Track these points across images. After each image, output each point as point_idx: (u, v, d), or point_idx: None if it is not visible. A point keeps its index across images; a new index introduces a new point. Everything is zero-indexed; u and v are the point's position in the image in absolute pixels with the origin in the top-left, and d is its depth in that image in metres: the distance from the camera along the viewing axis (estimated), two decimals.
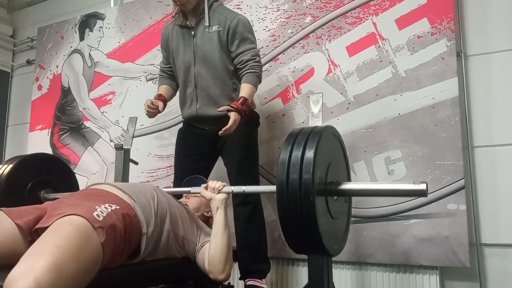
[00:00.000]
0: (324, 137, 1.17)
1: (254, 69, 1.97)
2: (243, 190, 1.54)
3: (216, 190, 1.53)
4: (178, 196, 1.69)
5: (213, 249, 1.44)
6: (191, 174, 2.06)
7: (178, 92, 2.20)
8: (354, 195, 1.30)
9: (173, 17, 2.11)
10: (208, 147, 2.05)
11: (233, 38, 1.97)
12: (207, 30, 2.00)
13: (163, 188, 1.66)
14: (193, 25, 2.03)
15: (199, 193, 1.60)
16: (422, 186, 1.16)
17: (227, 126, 1.82)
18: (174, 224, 1.45)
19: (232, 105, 1.86)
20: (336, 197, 1.24)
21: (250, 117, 1.98)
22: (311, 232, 1.07)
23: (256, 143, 2.12)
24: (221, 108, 1.88)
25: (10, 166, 1.89)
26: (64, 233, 1.04)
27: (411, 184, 1.20)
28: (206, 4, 1.99)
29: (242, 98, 1.89)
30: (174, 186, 2.06)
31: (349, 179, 1.42)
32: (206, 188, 1.56)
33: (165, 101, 2.12)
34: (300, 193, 1.06)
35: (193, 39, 2.03)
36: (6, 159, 1.99)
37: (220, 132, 1.84)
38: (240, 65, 1.98)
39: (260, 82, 2.02)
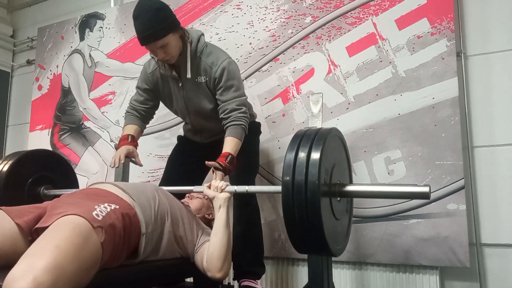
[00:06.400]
0: (329, 139, 1.19)
1: (239, 121, 1.82)
2: (246, 190, 1.55)
3: (219, 189, 1.53)
4: (179, 196, 1.68)
5: (212, 246, 1.44)
6: (181, 175, 2.05)
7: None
8: (357, 196, 1.33)
9: (153, 57, 1.90)
10: (206, 152, 1.99)
11: (218, 86, 1.85)
12: (196, 80, 1.87)
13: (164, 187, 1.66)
14: (180, 76, 1.88)
15: (202, 192, 1.59)
16: (425, 189, 1.17)
17: (208, 184, 1.64)
18: (174, 225, 1.46)
19: (219, 162, 1.71)
20: (339, 198, 1.25)
21: (250, 126, 1.93)
22: (316, 233, 1.09)
23: (256, 151, 2.11)
24: (209, 163, 1.72)
25: (10, 161, 1.86)
26: (63, 233, 1.04)
27: (414, 187, 1.22)
28: (189, 55, 1.83)
29: (230, 156, 1.74)
30: (160, 185, 2.03)
31: (351, 181, 1.44)
32: (209, 187, 1.56)
33: (136, 146, 2.00)
34: (306, 193, 1.08)
35: (182, 91, 1.91)
36: (5, 155, 1.97)
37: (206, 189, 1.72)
38: (224, 115, 1.84)
39: (246, 133, 1.87)
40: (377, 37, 2.31)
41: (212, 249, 1.43)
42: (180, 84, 1.90)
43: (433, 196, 2.07)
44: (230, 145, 1.78)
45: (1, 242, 1.15)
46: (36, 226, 1.18)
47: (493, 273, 2.04)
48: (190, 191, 1.68)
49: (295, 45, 2.52)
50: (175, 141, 2.27)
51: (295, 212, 1.10)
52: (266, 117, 2.53)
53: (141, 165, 2.00)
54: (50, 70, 3.51)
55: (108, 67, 3.22)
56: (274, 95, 2.54)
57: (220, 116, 1.87)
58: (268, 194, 2.45)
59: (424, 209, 2.09)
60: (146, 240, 1.32)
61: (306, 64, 2.48)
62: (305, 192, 1.08)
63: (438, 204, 2.06)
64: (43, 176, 1.97)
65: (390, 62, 2.27)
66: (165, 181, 2.10)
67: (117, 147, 1.98)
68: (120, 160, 1.88)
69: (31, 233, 1.20)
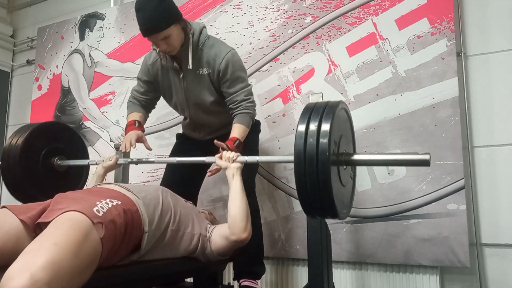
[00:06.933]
0: (338, 112, 1.25)
1: (248, 110, 1.86)
2: (257, 160, 1.66)
3: (230, 160, 1.62)
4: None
5: (233, 211, 1.52)
6: (182, 174, 2.06)
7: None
8: (362, 165, 1.42)
9: (154, 49, 1.90)
10: (206, 151, 2.01)
11: (224, 79, 1.85)
12: (197, 72, 1.86)
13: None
14: (181, 67, 1.87)
15: (214, 162, 1.67)
16: (426, 157, 1.25)
17: (214, 170, 1.75)
18: (180, 223, 1.48)
19: (228, 144, 1.73)
20: (345, 167, 1.34)
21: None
22: (326, 198, 1.17)
23: (256, 149, 2.11)
24: (218, 143, 1.74)
25: (25, 134, 1.89)
26: (62, 229, 1.04)
27: (414, 155, 1.31)
28: (190, 47, 1.82)
29: (237, 141, 1.77)
30: (162, 184, 2.02)
31: (354, 150, 1.52)
32: (221, 158, 1.64)
33: (143, 131, 2.00)
34: (317, 163, 1.16)
35: (183, 82, 1.90)
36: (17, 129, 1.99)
37: (208, 175, 1.79)
38: (233, 105, 1.87)
39: (253, 122, 1.92)
40: (377, 37, 2.31)
41: (234, 213, 1.51)
42: (181, 76, 1.89)
43: (433, 196, 2.08)
44: (238, 131, 1.82)
45: (5, 240, 1.14)
46: (38, 221, 1.18)
47: (493, 273, 2.04)
48: (203, 162, 1.74)
49: (295, 45, 2.52)
50: (175, 141, 2.27)
51: (306, 180, 1.18)
52: (266, 117, 2.53)
53: (150, 149, 2.00)
54: (50, 70, 3.51)
55: (108, 67, 3.21)
56: (274, 95, 2.54)
57: (229, 107, 1.89)
58: (268, 195, 2.45)
59: (424, 209, 2.09)
60: (148, 238, 1.33)
61: (306, 64, 2.48)
62: (316, 161, 1.16)
63: (438, 204, 2.06)
64: (55, 147, 2.00)
65: (390, 62, 2.27)
66: (166, 181, 2.10)
67: (125, 132, 1.99)
68: (132, 144, 1.89)
69: (35, 228, 1.20)
